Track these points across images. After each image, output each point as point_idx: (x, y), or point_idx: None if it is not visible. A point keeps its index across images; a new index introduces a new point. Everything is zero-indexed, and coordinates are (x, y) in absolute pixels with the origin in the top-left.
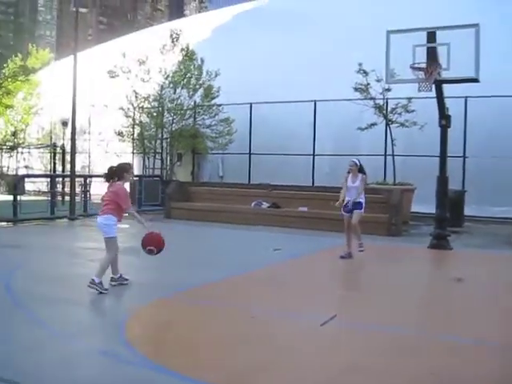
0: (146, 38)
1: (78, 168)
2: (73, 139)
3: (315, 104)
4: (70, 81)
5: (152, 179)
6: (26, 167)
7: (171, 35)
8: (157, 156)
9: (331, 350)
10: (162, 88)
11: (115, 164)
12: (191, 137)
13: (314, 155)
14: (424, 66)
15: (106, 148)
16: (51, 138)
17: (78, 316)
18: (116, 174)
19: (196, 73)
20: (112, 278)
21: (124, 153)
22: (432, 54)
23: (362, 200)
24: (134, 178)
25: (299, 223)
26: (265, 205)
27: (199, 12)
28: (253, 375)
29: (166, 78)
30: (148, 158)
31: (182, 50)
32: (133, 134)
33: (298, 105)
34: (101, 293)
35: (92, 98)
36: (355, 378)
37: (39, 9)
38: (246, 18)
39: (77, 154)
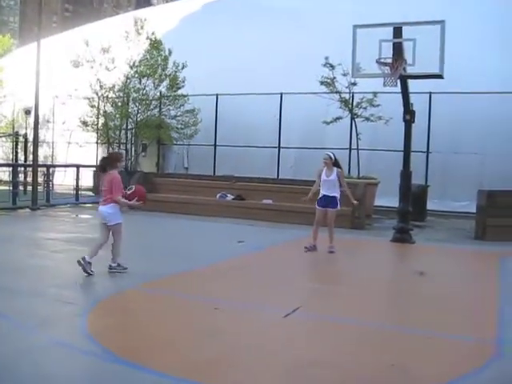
0: (110, 26)
1: (40, 158)
2: (35, 128)
3: (281, 96)
4: (33, 68)
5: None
6: None
7: (135, 23)
8: (121, 146)
9: (292, 343)
10: (128, 78)
11: (106, 155)
12: (156, 127)
13: (279, 148)
14: (390, 61)
15: (69, 138)
16: (13, 126)
17: (41, 308)
18: (109, 164)
19: (162, 63)
20: (110, 265)
21: (88, 143)
22: (398, 50)
23: (337, 195)
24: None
25: (264, 215)
26: (229, 197)
27: (166, 2)
28: (213, 368)
29: (132, 68)
30: (112, 149)
31: (148, 38)
32: (97, 124)
33: (265, 97)
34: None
35: (56, 86)
36: (315, 371)
37: None
38: (214, 8)
39: (40, 144)
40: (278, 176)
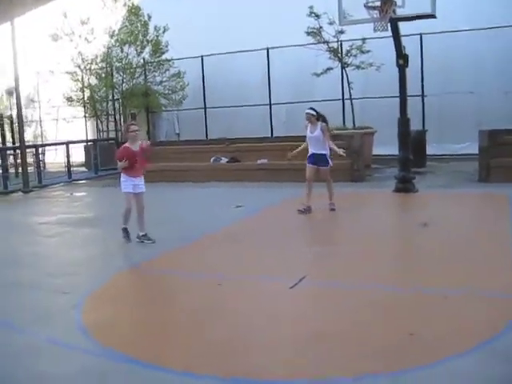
0: None
1: (30, 138)
2: (18, 108)
3: (268, 51)
4: (10, 47)
5: (107, 143)
6: None
7: None
8: (110, 118)
9: (303, 317)
10: (109, 47)
11: None
12: (143, 95)
13: (270, 105)
14: (378, 4)
15: (56, 115)
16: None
17: (34, 301)
18: (124, 136)
19: (143, 29)
20: (138, 234)
21: (75, 118)
22: None
23: (326, 151)
24: (87, 143)
25: (260, 176)
26: (223, 160)
27: None
28: (226, 353)
29: (112, 37)
30: (101, 122)
31: (125, 5)
32: (83, 98)
33: (251, 54)
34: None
35: (37, 63)
36: (329, 345)
37: None
38: None
39: (27, 124)
40: (271, 134)
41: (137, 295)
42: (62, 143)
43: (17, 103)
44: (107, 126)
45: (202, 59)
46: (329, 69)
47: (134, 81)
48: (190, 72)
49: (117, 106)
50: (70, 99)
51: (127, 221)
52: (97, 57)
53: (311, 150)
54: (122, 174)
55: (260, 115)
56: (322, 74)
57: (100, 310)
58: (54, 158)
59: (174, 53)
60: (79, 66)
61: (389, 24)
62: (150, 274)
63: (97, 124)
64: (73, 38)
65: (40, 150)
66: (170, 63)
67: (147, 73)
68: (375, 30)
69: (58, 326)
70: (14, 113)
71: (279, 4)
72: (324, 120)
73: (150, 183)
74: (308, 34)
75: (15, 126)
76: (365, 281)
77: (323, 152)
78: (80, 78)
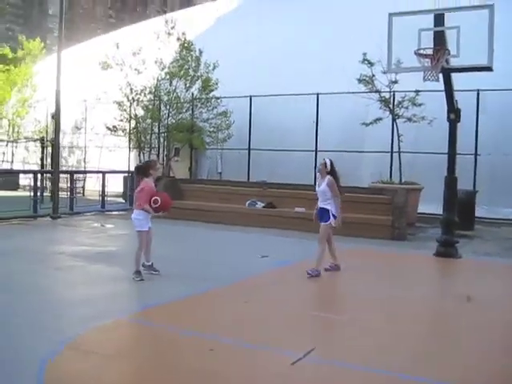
0: (142, 30)
1: (73, 163)
2: (56, 132)
3: (318, 97)
4: (66, 73)
5: None
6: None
7: (166, 23)
8: (152, 151)
9: None
10: (158, 80)
11: (140, 163)
12: (188, 131)
13: (316, 151)
14: (430, 52)
15: (99, 143)
16: (47, 131)
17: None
18: (142, 171)
19: (193, 64)
20: (143, 263)
21: (119, 147)
22: (439, 39)
23: (330, 207)
24: (127, 174)
25: (296, 225)
26: (259, 204)
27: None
28: None
29: (162, 70)
30: (143, 153)
31: (179, 39)
32: (129, 128)
33: (300, 98)
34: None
35: (86, 90)
36: None
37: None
38: (248, 6)
39: (72, 149)
40: (314, 182)
41: (114, 349)
42: (98, 172)
43: (55, 129)
44: (149, 159)
45: (251, 99)
46: (379, 119)
47: (181, 115)
48: (237, 111)
49: (161, 139)
50: (113, 128)
51: (140, 261)
52: (145, 88)
53: (318, 204)
54: (138, 212)
55: (304, 161)
56: (371, 123)
57: (67, 364)
58: (94, 186)
59: (221, 90)
60: (127, 97)
61: (440, 75)
62: (139, 326)
63: (139, 155)
64: (123, 68)
65: (76, 176)
66: (218, 101)
67: (194, 109)
68: (425, 80)
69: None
70: (61, 137)
71: (331, 48)
72: (334, 174)
73: (182, 221)
74: (360, 81)
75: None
76: (386, 364)
77: (327, 207)
78: (127, 108)
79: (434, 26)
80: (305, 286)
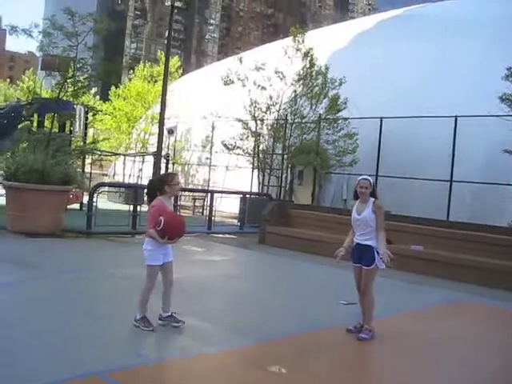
0: (269, 50)
1: (199, 181)
2: (158, 150)
3: (456, 120)
4: (199, 89)
5: (259, 198)
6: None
7: (294, 39)
8: (273, 173)
9: None
10: (282, 97)
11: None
12: (310, 153)
13: (451, 181)
14: None
15: (226, 162)
16: (174, 148)
17: None
18: (155, 188)
19: (320, 81)
20: (160, 315)
21: (239, 167)
22: None
23: (374, 243)
24: (242, 195)
25: (412, 266)
26: None
27: (368, 12)
28: None
29: (289, 87)
30: (263, 175)
31: (306, 55)
32: (254, 149)
33: (435, 121)
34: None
35: (215, 108)
36: None
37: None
38: (385, 25)
39: (200, 167)
40: (447, 216)
41: None
42: (205, 191)
43: (158, 143)
44: (268, 181)
45: (381, 121)
46: None
47: (304, 136)
48: (363, 133)
49: (284, 161)
50: (230, 147)
51: (146, 305)
52: (271, 106)
53: (355, 239)
54: (147, 240)
55: (437, 191)
56: None
57: None
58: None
59: (347, 110)
60: (253, 115)
61: None
62: None
63: (258, 176)
64: (246, 84)
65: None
66: (347, 122)
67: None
68: None
69: None
70: (171, 152)
71: (472, 67)
72: (375, 196)
73: (279, 251)
74: (502, 100)
75: (170, 164)
76: None
77: (367, 243)
78: (253, 127)
79: None
80: (394, 347)
